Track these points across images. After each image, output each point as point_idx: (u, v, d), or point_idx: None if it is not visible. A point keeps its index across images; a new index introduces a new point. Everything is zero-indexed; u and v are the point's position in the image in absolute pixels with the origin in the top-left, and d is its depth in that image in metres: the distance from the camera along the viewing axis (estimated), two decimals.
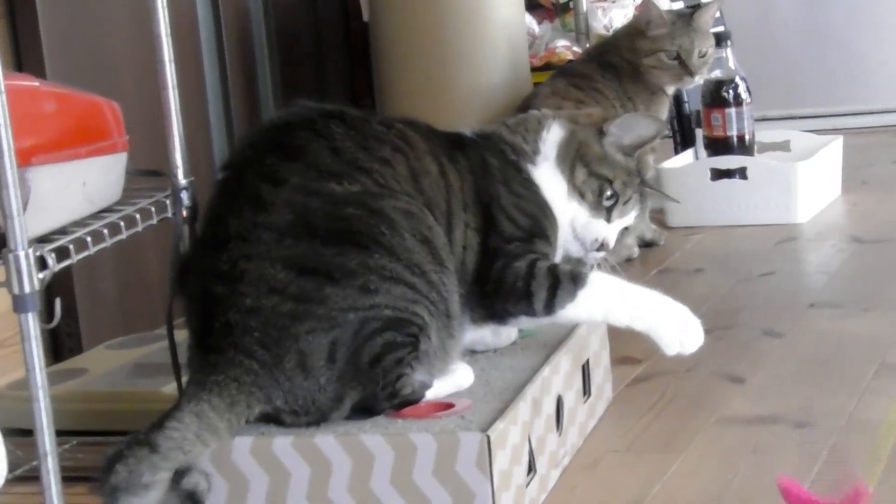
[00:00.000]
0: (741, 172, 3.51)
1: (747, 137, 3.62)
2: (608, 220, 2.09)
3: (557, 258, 2.08)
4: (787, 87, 4.75)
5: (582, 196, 2.07)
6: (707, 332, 2.66)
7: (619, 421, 2.24)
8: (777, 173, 3.49)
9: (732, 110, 3.59)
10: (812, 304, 2.82)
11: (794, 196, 3.50)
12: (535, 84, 3.76)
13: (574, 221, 2.08)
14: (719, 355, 2.54)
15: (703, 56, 3.34)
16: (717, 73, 3.61)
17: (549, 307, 1.96)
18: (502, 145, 2.09)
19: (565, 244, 2.10)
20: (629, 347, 2.50)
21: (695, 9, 3.37)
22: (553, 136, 2.10)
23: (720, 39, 3.60)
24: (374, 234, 1.86)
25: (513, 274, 1.97)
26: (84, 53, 2.94)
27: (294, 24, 3.87)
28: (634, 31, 3.36)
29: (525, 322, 2.02)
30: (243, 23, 3.62)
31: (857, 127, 4.65)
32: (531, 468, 1.91)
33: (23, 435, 1.93)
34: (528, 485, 1.89)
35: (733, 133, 3.60)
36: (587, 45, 3.98)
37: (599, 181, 2.08)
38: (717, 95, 3.60)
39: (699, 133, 3.73)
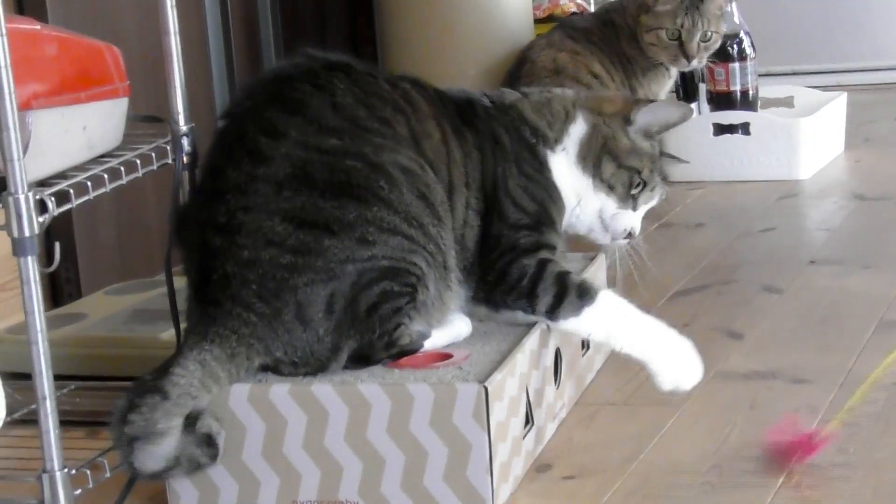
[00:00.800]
0: (744, 128, 3.50)
1: (751, 92, 3.61)
2: (635, 208, 2.09)
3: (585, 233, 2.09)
4: (791, 43, 4.73)
5: (611, 188, 2.06)
6: (706, 287, 2.69)
7: (616, 374, 2.25)
8: (780, 129, 3.48)
9: (736, 65, 3.57)
10: (812, 261, 2.82)
11: (796, 152, 3.48)
12: (538, 36, 3.74)
13: (602, 212, 2.08)
14: (718, 310, 2.54)
15: (706, 41, 3.21)
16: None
17: (552, 314, 1.95)
18: (521, 124, 2.06)
19: (590, 233, 2.10)
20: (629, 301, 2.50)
21: None
22: (577, 130, 2.07)
23: None
24: (373, 187, 1.85)
25: (519, 269, 1.96)
26: None
27: None
28: (642, 3, 3.24)
29: (520, 317, 1.99)
30: None
31: (862, 83, 4.63)
32: (528, 420, 1.91)
33: (21, 379, 1.93)
34: (524, 437, 1.89)
35: (737, 88, 3.58)
36: (591, 1, 3.96)
37: (630, 173, 2.07)
38: (722, 49, 3.57)
39: (702, 87, 3.71)
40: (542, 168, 2.05)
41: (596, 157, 2.06)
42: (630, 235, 2.10)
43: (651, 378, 1.95)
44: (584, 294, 1.94)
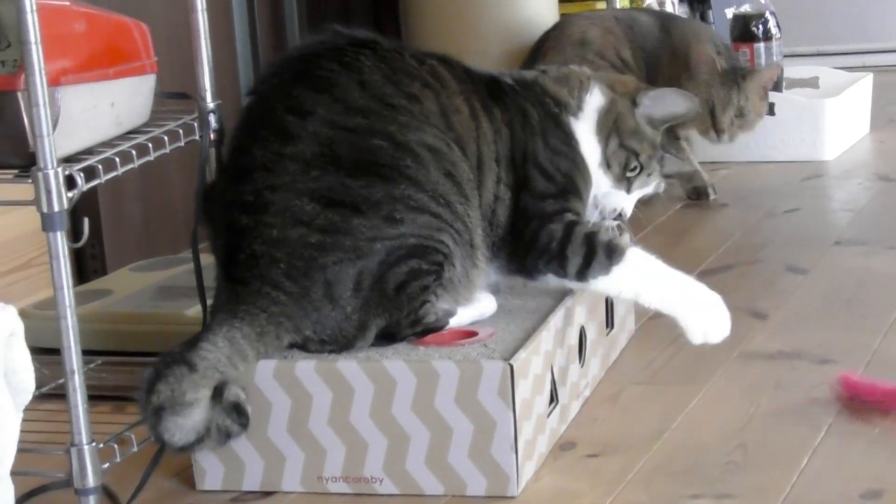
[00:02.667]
0: (769, 108, 3.49)
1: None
2: (628, 190, 2.09)
3: None
4: (817, 24, 4.71)
5: (608, 166, 2.07)
6: (730, 267, 2.69)
7: (641, 353, 2.25)
8: (805, 110, 3.47)
9: (761, 45, 3.56)
10: (837, 242, 2.81)
11: (821, 133, 3.48)
12: (562, 15, 3.74)
13: (596, 189, 2.08)
14: (743, 290, 2.54)
15: (741, 117, 3.09)
16: (746, 8, 3.59)
17: (582, 275, 1.95)
18: (545, 97, 2.07)
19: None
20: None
21: (753, 69, 3.16)
22: (595, 100, 2.08)
23: None
24: (400, 166, 1.86)
25: (548, 234, 1.96)
26: None
27: None
28: (683, 65, 3.10)
29: (553, 281, 1.99)
30: None
31: (888, 64, 4.61)
32: (553, 398, 1.92)
33: (48, 353, 1.94)
34: (549, 414, 1.90)
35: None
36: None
37: (627, 154, 2.08)
38: (746, 30, 3.57)
39: None
40: (570, 139, 2.05)
41: (607, 132, 2.07)
42: (620, 216, 2.10)
43: (683, 332, 1.94)
44: (613, 252, 1.94)
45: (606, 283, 1.95)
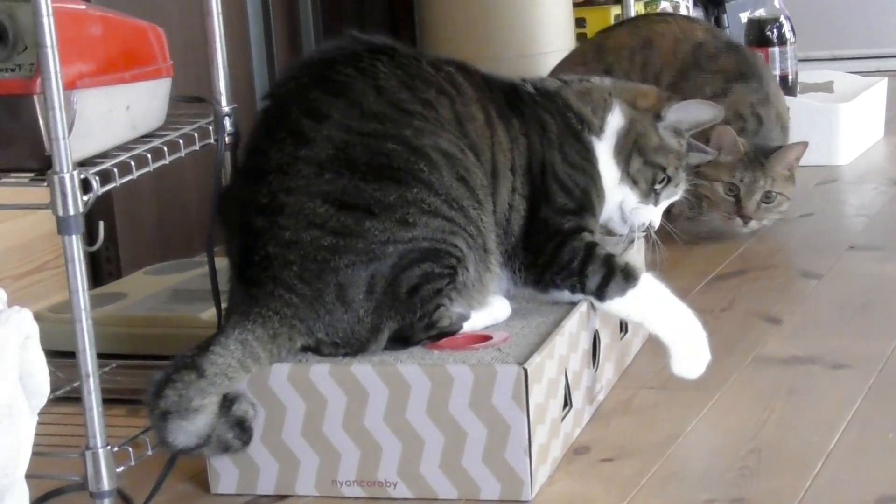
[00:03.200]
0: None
1: (790, 77, 3.60)
2: (656, 203, 2.12)
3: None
4: (831, 28, 4.71)
5: (635, 183, 2.10)
6: (744, 272, 2.69)
7: (654, 358, 2.24)
8: (819, 114, 3.46)
9: (776, 49, 3.56)
10: (851, 247, 2.81)
11: (835, 138, 3.47)
12: (577, 19, 3.74)
13: (623, 204, 2.11)
14: (756, 295, 2.54)
15: (768, 202, 2.86)
16: (761, 12, 3.59)
17: (600, 294, 1.99)
18: (567, 111, 2.08)
19: (609, 222, 2.13)
20: (665, 285, 2.50)
21: (777, 148, 2.89)
22: (615, 120, 2.09)
23: None
24: (414, 170, 1.86)
25: (570, 252, 1.99)
26: None
27: None
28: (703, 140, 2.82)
29: (566, 297, 2.01)
30: None
31: None
32: (567, 402, 1.92)
33: (63, 357, 1.94)
34: (563, 419, 1.90)
35: (776, 72, 3.57)
36: None
37: (654, 170, 2.10)
38: (761, 34, 3.57)
39: None
40: (589, 155, 2.07)
41: (627, 154, 2.09)
42: (648, 227, 2.13)
43: (669, 358, 2.00)
44: (629, 276, 1.98)
45: (620, 304, 2.00)
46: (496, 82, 2.06)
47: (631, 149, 2.09)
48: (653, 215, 2.13)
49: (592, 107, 2.09)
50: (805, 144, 2.89)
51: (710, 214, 2.92)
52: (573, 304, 2.00)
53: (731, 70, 2.95)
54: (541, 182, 2.01)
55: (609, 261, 1.98)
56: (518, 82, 2.09)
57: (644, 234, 2.14)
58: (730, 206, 2.85)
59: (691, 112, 2.13)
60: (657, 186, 2.10)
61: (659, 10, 4.09)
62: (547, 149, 2.03)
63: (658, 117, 2.11)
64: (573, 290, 2.00)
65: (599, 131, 2.08)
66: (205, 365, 1.75)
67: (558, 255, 1.99)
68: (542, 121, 2.04)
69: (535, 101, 2.07)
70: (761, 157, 2.85)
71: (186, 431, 1.76)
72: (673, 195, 2.14)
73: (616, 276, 1.98)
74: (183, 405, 1.74)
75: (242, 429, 1.81)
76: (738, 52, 3.03)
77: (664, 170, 2.10)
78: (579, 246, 1.99)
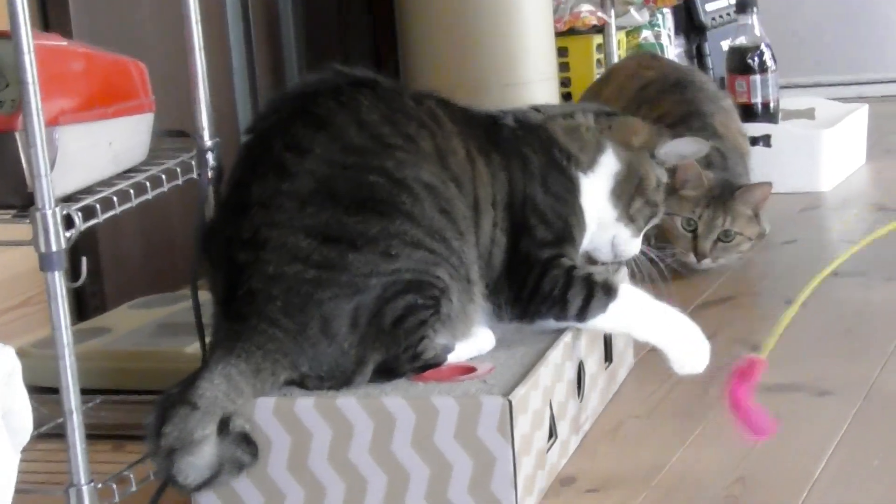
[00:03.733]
0: (765, 140, 3.49)
1: (772, 104, 3.61)
2: (639, 234, 2.15)
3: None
4: (812, 55, 4.73)
5: (632, 221, 2.13)
6: (728, 299, 2.69)
7: (640, 387, 2.25)
8: (801, 141, 3.47)
9: (757, 77, 3.57)
10: (835, 273, 2.80)
11: (818, 164, 3.48)
12: (559, 49, 3.75)
13: (616, 239, 2.13)
14: (740, 323, 2.54)
15: (727, 240, 2.77)
16: (742, 40, 3.60)
17: (582, 316, 2.01)
18: (552, 146, 2.09)
19: (595, 252, 2.15)
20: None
21: (743, 187, 2.82)
22: (610, 162, 2.11)
23: (746, 6, 3.58)
24: (396, 202, 1.86)
25: (550, 281, 2.01)
26: (110, 13, 2.94)
27: None
28: (675, 177, 2.74)
29: (552, 324, 2.03)
30: None
31: (883, 95, 4.62)
32: (552, 433, 1.92)
33: (47, 392, 1.94)
34: (548, 450, 1.90)
35: (758, 100, 3.58)
36: (612, 14, 3.91)
37: (653, 208, 2.15)
38: (742, 62, 3.58)
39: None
40: (573, 188, 2.08)
41: (630, 196, 2.12)
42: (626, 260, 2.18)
43: (669, 362, 2.03)
44: (609, 291, 2.01)
45: (604, 320, 2.02)
46: (476, 116, 2.06)
47: (633, 193, 2.12)
48: (639, 245, 2.16)
49: (581, 144, 2.10)
50: (770, 185, 2.83)
51: (669, 251, 2.79)
52: (558, 334, 2.00)
53: (674, 114, 2.95)
54: (521, 216, 2.02)
55: (588, 281, 2.00)
56: (498, 115, 2.10)
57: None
58: (686, 242, 2.77)
59: (681, 149, 2.19)
60: (651, 223, 2.16)
61: (640, 39, 4.11)
62: (528, 183, 2.03)
63: (652, 155, 2.15)
64: (557, 317, 2.01)
65: (587, 168, 2.09)
66: (195, 398, 1.75)
67: (540, 285, 2.00)
68: (523, 155, 2.05)
69: (517, 136, 2.07)
70: (726, 194, 2.78)
71: (197, 466, 1.75)
72: (653, 223, 2.19)
73: (596, 293, 2.00)
74: (186, 439, 1.74)
75: (248, 441, 1.81)
76: (682, 92, 3.03)
77: (658, 206, 2.15)
78: (559, 273, 2.01)
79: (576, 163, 2.09)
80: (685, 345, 2.03)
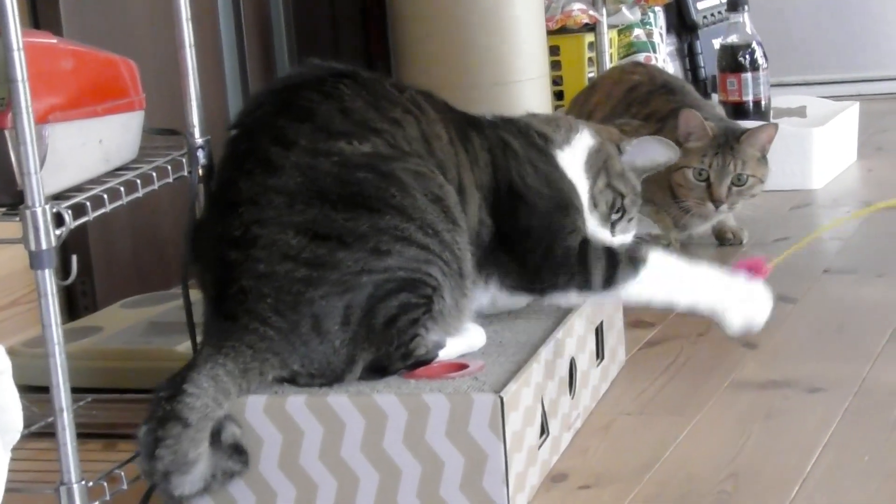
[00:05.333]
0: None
1: (763, 102, 3.61)
2: (612, 234, 2.12)
3: None
4: (803, 53, 4.73)
5: (595, 205, 2.10)
6: None
7: (631, 384, 2.25)
8: (792, 139, 3.47)
9: (748, 75, 3.58)
10: (826, 270, 2.81)
11: (809, 162, 3.48)
12: (551, 47, 3.75)
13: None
14: None
15: (740, 185, 2.84)
16: (733, 38, 3.60)
17: (609, 283, 1.97)
18: (529, 130, 2.10)
19: None
20: (642, 311, 2.50)
21: (746, 130, 2.87)
22: (584, 140, 2.12)
23: (737, 4, 3.58)
24: (385, 196, 1.86)
25: (563, 251, 1.98)
26: (101, 11, 2.93)
27: None
28: (674, 138, 2.75)
29: (575, 298, 2.00)
30: None
31: (874, 93, 4.63)
32: (544, 430, 1.92)
33: (37, 392, 1.94)
34: (540, 447, 1.90)
35: (749, 98, 3.59)
36: (604, 12, 3.91)
37: (614, 194, 2.12)
38: (734, 60, 3.59)
39: (715, 98, 3.72)
40: (554, 164, 2.08)
41: (596, 171, 2.11)
42: None
43: (721, 325, 1.99)
44: (636, 258, 1.97)
45: (635, 287, 1.97)
46: (455, 108, 2.08)
47: (600, 167, 2.11)
48: (608, 238, 2.11)
49: (555, 126, 2.13)
50: (776, 126, 2.91)
51: (685, 205, 2.87)
52: (549, 331, 2.00)
53: (662, 111, 2.96)
54: (512, 194, 2.01)
55: (609, 250, 1.97)
56: (478, 114, 2.11)
57: None
58: (701, 191, 2.83)
59: (648, 150, 2.16)
60: (614, 216, 2.11)
61: (632, 38, 4.11)
62: (513, 162, 2.04)
63: (619, 150, 2.15)
64: (581, 288, 1.97)
65: (563, 143, 2.11)
66: (185, 413, 1.73)
67: (551, 255, 1.98)
68: (503, 139, 2.06)
69: (495, 124, 2.10)
70: (731, 140, 2.84)
71: (192, 482, 1.76)
72: (626, 231, 2.14)
73: (621, 261, 1.96)
74: (180, 460, 1.73)
75: (238, 451, 1.81)
76: (672, 93, 3.04)
77: (623, 197, 2.12)
78: (572, 244, 1.98)
79: (550, 141, 2.10)
80: (737, 304, 1.97)
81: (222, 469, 1.79)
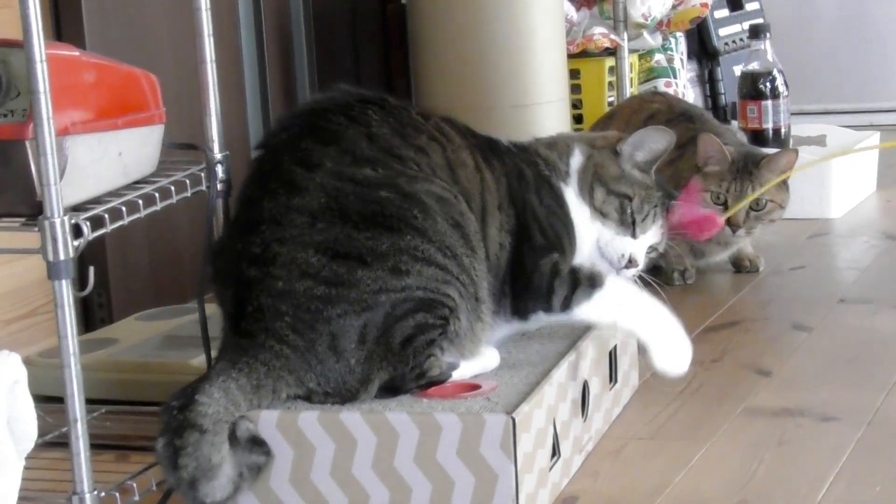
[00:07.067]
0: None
1: (783, 130, 3.61)
2: (634, 235, 2.12)
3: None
4: (824, 82, 4.73)
5: (605, 216, 2.11)
6: (735, 324, 2.69)
7: (644, 409, 2.25)
8: (812, 168, 3.47)
9: (769, 103, 3.58)
10: (842, 300, 2.81)
11: (827, 191, 3.48)
12: (571, 71, 3.76)
13: (599, 240, 2.12)
14: (747, 347, 2.54)
15: (758, 209, 2.85)
16: (754, 66, 3.61)
17: (566, 305, 2.00)
18: (536, 158, 2.12)
19: (597, 265, 2.12)
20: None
21: (766, 155, 2.88)
22: (575, 161, 2.14)
23: (759, 31, 3.58)
24: (407, 217, 1.86)
25: (538, 275, 2.01)
26: (123, 25, 2.95)
27: (332, 2, 3.88)
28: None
29: (542, 318, 2.04)
30: (282, 0, 3.63)
31: (895, 123, 4.63)
32: (555, 452, 1.91)
33: (52, 402, 1.94)
34: (551, 468, 1.90)
35: (769, 126, 3.59)
36: (625, 36, 3.91)
37: (619, 199, 2.11)
38: (754, 87, 3.59)
39: (734, 125, 3.72)
40: (561, 201, 2.10)
41: (589, 186, 2.11)
42: (630, 263, 2.12)
43: (648, 358, 2.02)
44: (594, 281, 2.01)
45: (588, 308, 2.01)
46: (477, 133, 2.10)
47: (591, 181, 2.11)
48: (632, 248, 2.12)
49: (558, 153, 2.14)
50: (796, 151, 2.90)
51: None
52: (562, 354, 2.00)
53: (682, 138, 2.95)
54: (523, 220, 2.04)
55: (574, 272, 2.01)
56: (494, 137, 2.13)
57: (632, 273, 2.12)
58: (719, 215, 2.76)
59: (645, 141, 2.15)
60: (627, 216, 2.11)
61: (653, 63, 4.11)
62: (526, 191, 2.06)
63: (616, 152, 2.14)
64: (545, 309, 2.02)
65: (566, 176, 2.12)
66: (200, 420, 1.74)
67: (531, 281, 2.02)
68: (518, 168, 2.08)
69: (511, 151, 2.12)
70: (750, 165, 2.84)
71: (221, 486, 1.76)
72: (649, 229, 2.13)
73: (582, 283, 2.00)
74: (204, 466, 1.74)
75: (258, 443, 1.81)
76: (691, 121, 3.05)
77: (630, 199, 2.11)
78: (546, 270, 2.01)
79: (557, 174, 2.12)
80: (668, 341, 2.01)
81: (247, 465, 1.79)
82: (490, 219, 1.99)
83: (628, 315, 2.01)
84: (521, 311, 2.03)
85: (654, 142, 2.16)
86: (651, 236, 2.14)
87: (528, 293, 2.02)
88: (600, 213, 2.10)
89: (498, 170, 2.05)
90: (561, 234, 2.08)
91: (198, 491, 1.75)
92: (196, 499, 1.76)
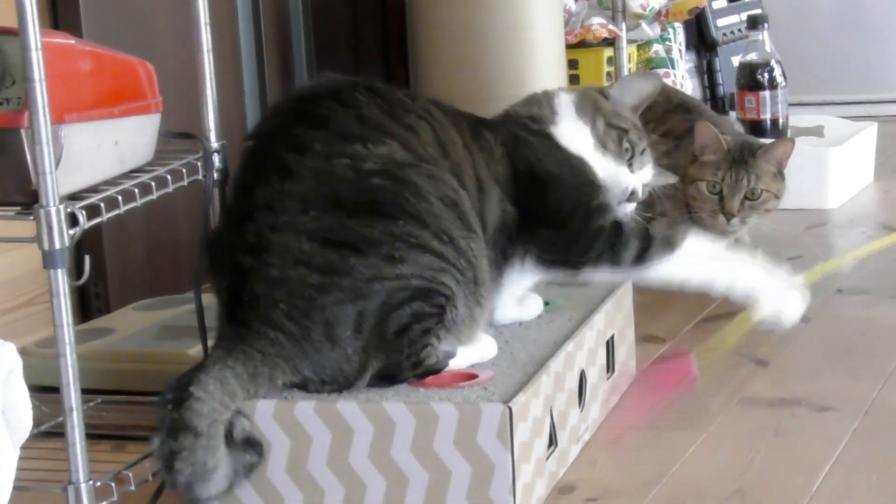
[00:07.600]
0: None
1: (781, 121, 3.61)
2: (631, 171, 2.13)
3: None
4: (822, 73, 4.73)
5: (605, 147, 2.11)
6: (732, 314, 2.68)
7: (641, 398, 2.25)
8: (809, 158, 3.47)
9: (767, 93, 3.57)
10: (839, 290, 2.81)
11: (825, 181, 3.48)
12: (570, 61, 3.75)
13: (603, 173, 2.11)
14: (744, 337, 2.54)
15: (753, 199, 2.81)
16: (752, 56, 3.60)
17: (641, 260, 1.99)
18: (522, 119, 2.13)
19: None
20: (654, 326, 2.51)
21: (763, 145, 2.85)
22: (565, 98, 2.15)
23: (757, 22, 3.58)
24: (400, 202, 1.86)
25: (595, 228, 2.00)
26: (120, 13, 2.94)
27: None
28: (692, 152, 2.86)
29: (606, 275, 2.02)
30: None
31: (892, 114, 4.62)
32: (552, 441, 1.91)
33: (48, 392, 1.94)
34: (548, 458, 1.90)
35: (767, 116, 3.58)
36: (623, 27, 3.90)
37: (617, 131, 2.13)
38: (752, 78, 3.58)
39: (732, 115, 3.71)
40: (557, 145, 2.09)
41: (591, 115, 2.13)
42: (633, 195, 2.12)
43: (754, 314, 2.01)
44: (671, 238, 2.00)
45: (670, 267, 2.00)
46: (463, 111, 2.10)
47: (592, 111, 2.13)
48: (633, 181, 2.12)
49: (537, 105, 2.15)
50: (792, 141, 2.89)
51: (698, 216, 2.84)
52: (559, 343, 2.00)
53: (679, 129, 2.95)
54: (534, 180, 2.03)
55: (644, 230, 2.00)
56: (479, 115, 2.14)
57: (632, 208, 2.12)
58: (714, 204, 2.80)
59: (631, 86, 2.19)
60: (625, 152, 2.11)
61: (651, 53, 4.11)
62: (527, 150, 2.06)
63: (605, 95, 2.17)
64: (612, 263, 2.00)
65: (552, 116, 2.12)
66: (193, 421, 1.73)
67: (584, 232, 2.00)
68: (513, 133, 2.08)
69: (500, 122, 2.13)
70: (747, 154, 2.82)
71: (216, 483, 1.77)
72: (643, 166, 2.14)
73: (654, 240, 1.99)
74: (200, 470, 1.74)
75: (253, 443, 1.81)
76: (688, 112, 3.04)
77: (626, 132, 2.13)
78: (604, 223, 2.01)
79: (542, 120, 2.12)
80: (771, 292, 1.99)
81: (242, 464, 1.80)
82: (488, 193, 1.99)
83: (719, 275, 1.98)
84: (574, 263, 2.01)
85: (640, 85, 2.20)
86: (645, 174, 2.15)
87: (583, 245, 1.99)
88: (601, 143, 2.11)
89: (490, 140, 2.05)
90: (581, 168, 2.07)
91: (193, 491, 1.75)
92: (191, 498, 1.76)
